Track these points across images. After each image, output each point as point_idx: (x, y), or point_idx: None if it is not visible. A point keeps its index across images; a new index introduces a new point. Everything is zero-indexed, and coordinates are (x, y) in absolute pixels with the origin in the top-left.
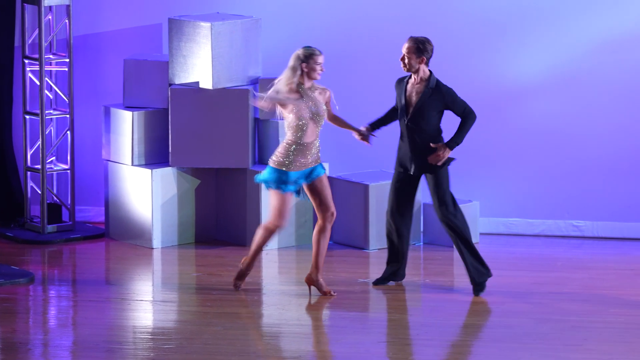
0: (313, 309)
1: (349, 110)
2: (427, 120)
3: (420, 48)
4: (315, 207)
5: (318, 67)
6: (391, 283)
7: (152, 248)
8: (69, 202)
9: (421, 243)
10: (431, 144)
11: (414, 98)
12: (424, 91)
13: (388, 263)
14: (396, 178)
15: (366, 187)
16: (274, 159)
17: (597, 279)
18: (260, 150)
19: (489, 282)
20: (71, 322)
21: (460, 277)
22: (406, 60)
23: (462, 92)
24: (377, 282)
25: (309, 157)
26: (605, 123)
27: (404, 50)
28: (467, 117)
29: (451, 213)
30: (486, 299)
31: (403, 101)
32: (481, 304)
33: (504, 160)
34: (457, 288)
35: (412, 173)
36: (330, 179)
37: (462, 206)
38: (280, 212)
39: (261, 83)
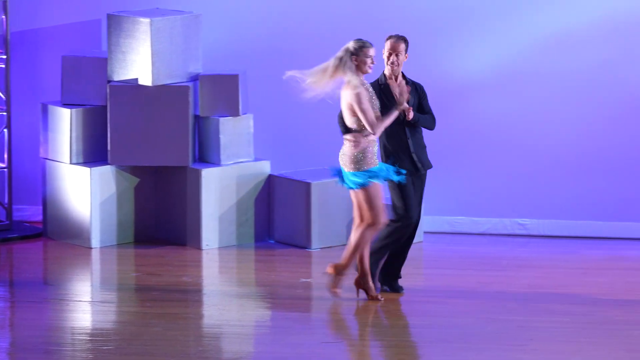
0: (254, 309)
1: (291, 106)
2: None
3: (407, 45)
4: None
5: (369, 60)
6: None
7: (91, 248)
8: (6, 201)
9: None
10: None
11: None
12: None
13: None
14: (406, 184)
15: (308, 185)
16: None
17: (544, 278)
18: (201, 148)
19: (432, 282)
20: (8, 324)
21: (407, 277)
22: (399, 59)
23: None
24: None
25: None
26: (550, 121)
27: (396, 50)
28: (432, 115)
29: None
30: (430, 298)
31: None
32: (427, 304)
33: (449, 158)
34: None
35: (423, 172)
36: (271, 177)
37: None
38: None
39: (201, 79)
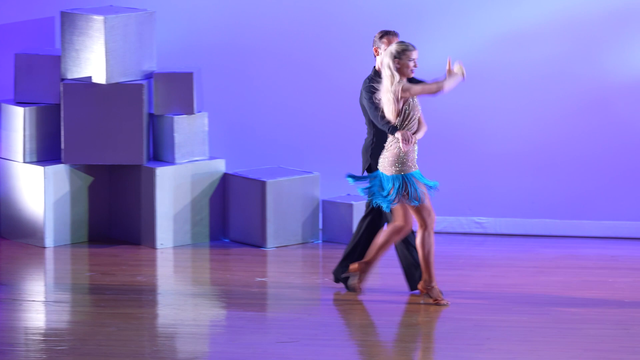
0: (209, 309)
1: (246, 104)
2: None
3: None
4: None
5: (411, 64)
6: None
7: (45, 247)
8: None
9: (320, 241)
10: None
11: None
12: None
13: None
14: None
15: (263, 183)
16: None
17: (500, 277)
18: (155, 146)
19: (387, 281)
20: None
21: None
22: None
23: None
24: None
25: None
26: (507, 118)
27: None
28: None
29: None
30: (387, 297)
31: None
32: (381, 304)
33: None
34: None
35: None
36: (226, 175)
37: (361, 203)
38: None
39: (156, 77)
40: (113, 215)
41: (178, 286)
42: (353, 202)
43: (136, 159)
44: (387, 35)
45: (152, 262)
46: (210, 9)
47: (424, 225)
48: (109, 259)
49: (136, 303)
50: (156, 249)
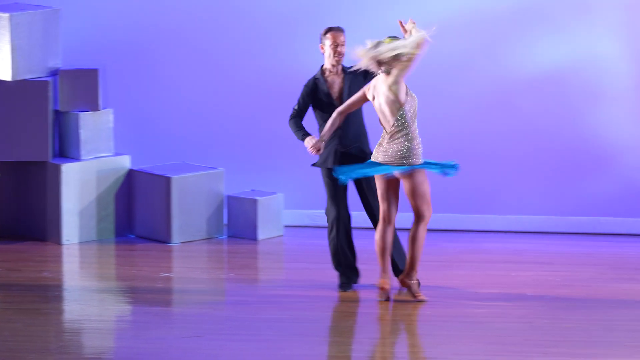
0: (115, 304)
1: (151, 101)
2: None
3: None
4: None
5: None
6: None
7: None
8: None
9: (224, 236)
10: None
11: (337, 87)
12: (344, 78)
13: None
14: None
15: (168, 179)
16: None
17: None
18: (61, 143)
19: (292, 276)
20: None
21: (265, 270)
22: (344, 49)
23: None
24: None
25: None
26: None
27: (340, 41)
28: None
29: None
30: (291, 292)
31: (337, 95)
32: (285, 297)
33: (307, 152)
34: (261, 281)
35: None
36: (132, 171)
37: (266, 198)
38: None
39: (61, 74)
40: (19, 212)
41: (84, 282)
42: (257, 198)
43: (42, 155)
44: (330, 31)
45: (58, 258)
46: (115, 6)
47: (423, 217)
48: (14, 255)
49: (42, 299)
50: (62, 245)
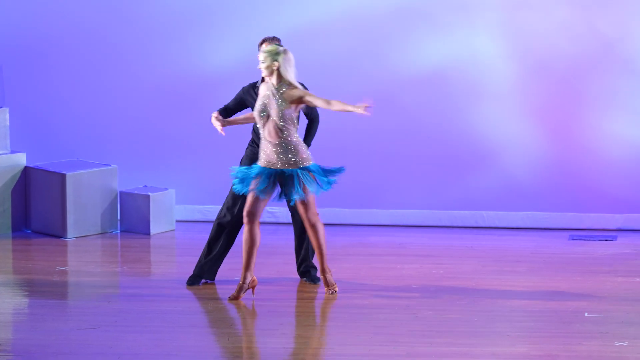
0: (11, 297)
1: (46, 99)
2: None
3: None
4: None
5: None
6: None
7: None
8: None
9: (118, 231)
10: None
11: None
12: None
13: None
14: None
15: (63, 176)
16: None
17: (292, 264)
18: None
19: (183, 269)
20: None
21: (158, 264)
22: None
23: (185, 85)
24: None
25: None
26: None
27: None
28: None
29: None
30: (182, 285)
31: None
32: (176, 290)
33: (200, 148)
34: (154, 274)
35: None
36: (27, 168)
37: (158, 194)
38: None
39: None
40: None
41: None
42: (150, 194)
43: None
44: (264, 42)
45: None
46: (9, 6)
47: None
48: None
49: None
50: None
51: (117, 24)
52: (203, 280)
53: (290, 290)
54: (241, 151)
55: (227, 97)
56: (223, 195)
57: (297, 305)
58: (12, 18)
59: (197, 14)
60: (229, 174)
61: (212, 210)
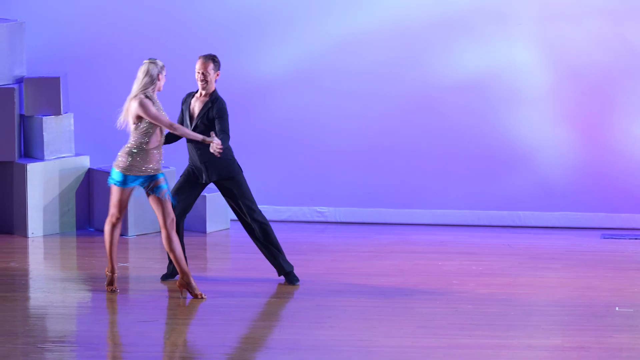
0: (76, 292)
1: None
2: (207, 132)
3: (217, 62)
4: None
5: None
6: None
7: None
8: None
9: None
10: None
11: (196, 110)
12: (205, 104)
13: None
14: (186, 179)
15: None
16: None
17: (339, 261)
18: (26, 144)
19: (237, 265)
20: None
21: (213, 261)
22: (207, 77)
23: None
24: (165, 278)
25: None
26: (346, 118)
27: (202, 69)
28: (223, 138)
29: (258, 214)
30: (237, 281)
31: (188, 115)
32: (233, 285)
33: (252, 151)
34: (209, 270)
35: (204, 181)
36: (91, 170)
37: (214, 195)
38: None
39: (26, 82)
40: None
41: (48, 271)
42: (206, 194)
43: (9, 156)
44: (199, 59)
45: (24, 250)
46: (75, 18)
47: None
48: None
49: (9, 287)
50: (27, 237)
51: (173, 33)
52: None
53: (337, 285)
54: (281, 158)
55: (278, 103)
56: (275, 197)
57: (343, 300)
58: (76, 28)
59: (248, 23)
60: (279, 177)
61: (265, 210)
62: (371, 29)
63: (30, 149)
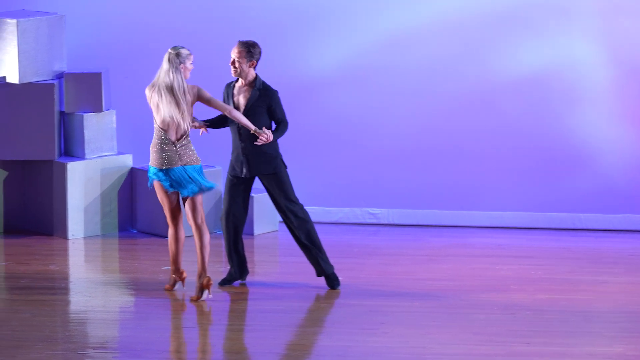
0: (118, 296)
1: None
2: (257, 123)
3: (251, 52)
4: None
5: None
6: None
7: None
8: None
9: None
10: (256, 130)
11: (242, 101)
12: (252, 93)
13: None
14: (229, 183)
15: None
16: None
17: (393, 265)
18: (66, 142)
19: (285, 269)
20: None
21: (260, 263)
22: (237, 65)
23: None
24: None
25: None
26: (400, 117)
27: (234, 55)
28: (281, 125)
29: (300, 211)
30: (286, 285)
31: (232, 106)
32: (281, 290)
33: (302, 151)
34: (257, 273)
35: (243, 176)
36: (133, 169)
37: (262, 196)
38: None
39: (66, 77)
40: (27, 208)
41: (89, 274)
42: (253, 195)
43: (48, 154)
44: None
45: (64, 252)
46: (116, 12)
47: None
48: (23, 249)
49: (49, 290)
50: (68, 239)
51: (219, 29)
52: None
53: (390, 290)
54: (333, 158)
55: (328, 101)
56: (325, 198)
57: (396, 305)
58: (118, 25)
59: (297, 18)
60: (329, 178)
61: (315, 212)
62: (425, 24)
63: (71, 147)
